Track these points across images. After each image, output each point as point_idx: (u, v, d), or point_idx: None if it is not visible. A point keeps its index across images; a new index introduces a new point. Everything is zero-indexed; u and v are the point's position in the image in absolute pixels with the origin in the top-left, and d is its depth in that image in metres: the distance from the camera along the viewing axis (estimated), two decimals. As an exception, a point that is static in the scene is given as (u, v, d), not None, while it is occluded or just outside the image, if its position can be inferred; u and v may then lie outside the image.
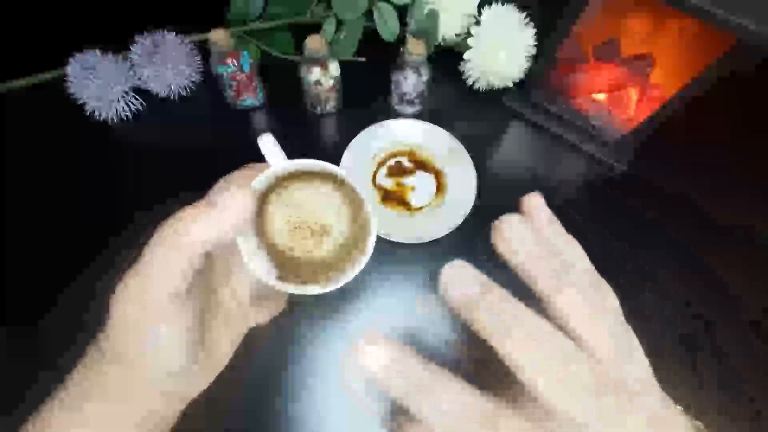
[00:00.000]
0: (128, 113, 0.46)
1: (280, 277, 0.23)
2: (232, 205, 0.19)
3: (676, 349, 0.38)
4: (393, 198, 0.45)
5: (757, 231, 0.46)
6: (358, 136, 0.47)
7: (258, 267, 0.22)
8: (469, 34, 0.48)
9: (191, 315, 0.20)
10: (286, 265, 0.24)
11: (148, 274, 0.18)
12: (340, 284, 0.23)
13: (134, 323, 0.19)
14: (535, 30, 0.47)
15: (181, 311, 0.19)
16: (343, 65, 0.45)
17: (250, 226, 0.22)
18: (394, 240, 0.41)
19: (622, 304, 0.17)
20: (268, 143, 0.23)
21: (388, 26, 0.50)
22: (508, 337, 0.14)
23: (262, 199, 0.23)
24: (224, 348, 0.24)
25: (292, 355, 0.37)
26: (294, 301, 0.38)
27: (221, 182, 0.24)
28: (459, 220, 0.42)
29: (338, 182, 0.24)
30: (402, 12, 0.50)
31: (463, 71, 0.51)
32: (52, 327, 0.36)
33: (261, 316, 0.26)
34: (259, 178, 0.21)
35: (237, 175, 0.24)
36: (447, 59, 0.51)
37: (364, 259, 0.24)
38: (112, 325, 0.19)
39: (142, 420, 0.21)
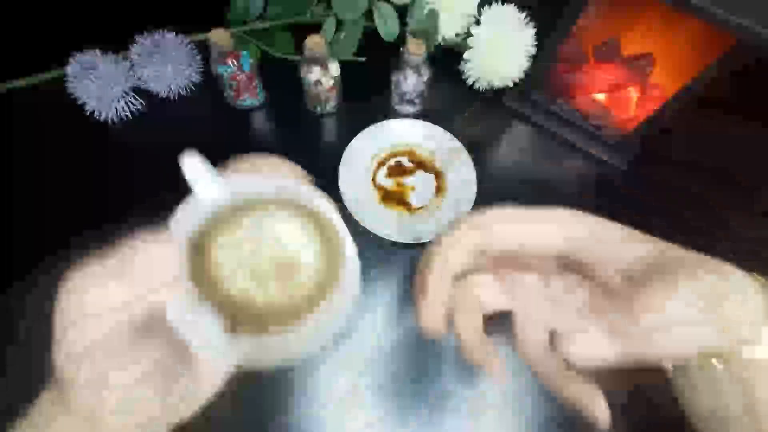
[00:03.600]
0: (128, 113, 0.46)
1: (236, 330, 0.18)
2: (146, 270, 0.16)
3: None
4: (393, 198, 0.45)
5: (757, 231, 0.46)
6: (358, 136, 0.47)
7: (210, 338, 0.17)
8: (469, 34, 0.48)
9: (149, 355, 0.18)
10: (245, 320, 0.18)
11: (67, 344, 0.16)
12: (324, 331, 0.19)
13: (83, 379, 0.17)
14: (535, 30, 0.47)
15: (134, 356, 0.17)
16: (343, 65, 0.45)
17: (184, 283, 0.17)
18: (394, 240, 0.41)
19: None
20: (194, 165, 0.17)
21: (388, 26, 0.50)
22: None
23: (199, 240, 0.18)
24: (209, 377, 0.21)
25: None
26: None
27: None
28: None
29: (298, 206, 0.19)
30: (402, 12, 0.50)
31: (463, 71, 0.51)
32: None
33: None
34: (181, 220, 0.16)
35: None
36: (447, 59, 0.51)
37: (344, 296, 0.19)
38: (60, 379, 0.17)
39: None
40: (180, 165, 0.17)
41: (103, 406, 0.18)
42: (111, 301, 0.16)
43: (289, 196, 0.18)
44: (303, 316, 0.19)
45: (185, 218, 0.17)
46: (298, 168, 0.20)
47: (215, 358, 0.17)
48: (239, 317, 0.18)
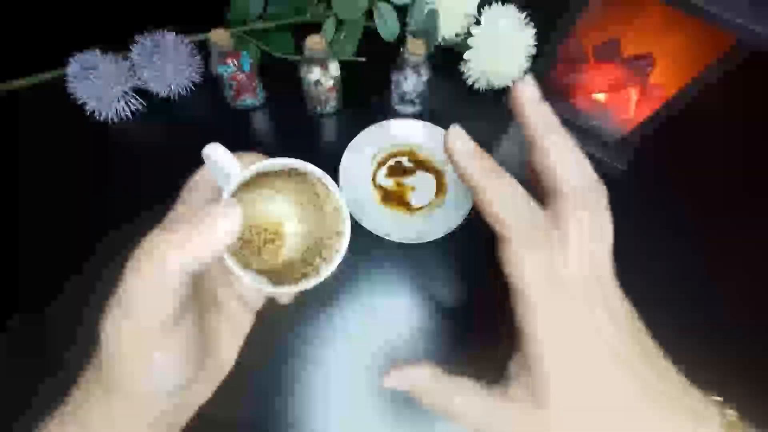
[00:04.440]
0: (128, 113, 0.46)
1: (274, 282, 0.22)
2: (221, 224, 0.17)
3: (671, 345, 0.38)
4: (393, 198, 0.45)
5: (757, 231, 0.46)
6: (358, 136, 0.47)
7: (252, 278, 0.21)
8: (469, 34, 0.48)
9: (187, 333, 0.18)
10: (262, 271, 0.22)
11: (131, 306, 0.17)
12: (327, 273, 0.22)
13: (126, 355, 0.17)
14: (535, 30, 0.47)
15: (176, 332, 0.18)
16: (343, 65, 0.45)
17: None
18: (394, 240, 0.41)
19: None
20: (221, 154, 0.20)
21: (388, 26, 0.50)
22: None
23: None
24: (230, 348, 0.23)
25: (290, 354, 0.37)
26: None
27: (192, 185, 0.23)
28: (459, 220, 0.42)
29: (298, 175, 0.22)
30: (402, 12, 0.50)
31: (463, 71, 0.51)
32: (56, 318, 0.36)
33: (259, 296, 0.25)
34: (228, 188, 0.19)
35: (204, 179, 0.22)
36: (447, 59, 0.51)
37: (344, 245, 0.23)
38: (104, 356, 0.18)
39: (152, 424, 0.20)
40: (205, 154, 0.20)
41: (145, 383, 0.18)
42: (175, 263, 0.16)
43: (290, 167, 0.21)
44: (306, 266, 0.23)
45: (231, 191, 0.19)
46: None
47: (265, 290, 0.21)
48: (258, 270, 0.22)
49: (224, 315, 0.23)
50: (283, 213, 0.24)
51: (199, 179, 0.23)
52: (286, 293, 0.22)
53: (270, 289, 0.21)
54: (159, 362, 0.18)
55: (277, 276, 0.22)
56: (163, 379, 0.19)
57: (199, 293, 0.22)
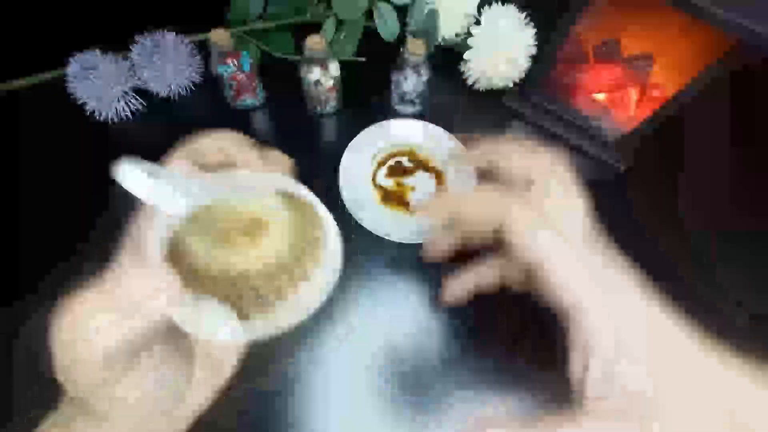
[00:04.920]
0: (128, 113, 0.46)
1: (245, 316, 0.20)
2: (150, 306, 0.16)
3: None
4: (393, 198, 0.45)
5: (758, 231, 0.46)
6: (358, 136, 0.47)
7: (218, 326, 0.18)
8: (469, 34, 0.48)
9: (149, 369, 0.18)
10: (230, 296, 0.20)
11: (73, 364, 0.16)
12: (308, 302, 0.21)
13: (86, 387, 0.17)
14: (535, 30, 0.47)
15: (134, 372, 0.18)
16: (343, 65, 0.45)
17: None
18: (394, 240, 0.41)
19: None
20: (139, 179, 0.16)
21: (388, 26, 0.50)
22: None
23: (177, 238, 0.18)
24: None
25: (290, 354, 0.36)
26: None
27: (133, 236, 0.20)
28: (459, 220, 0.42)
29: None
30: (402, 12, 0.50)
31: (463, 71, 0.51)
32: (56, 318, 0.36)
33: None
34: (154, 239, 0.17)
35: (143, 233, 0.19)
36: (447, 59, 0.51)
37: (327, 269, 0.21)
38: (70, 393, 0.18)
39: None
40: (120, 179, 0.16)
41: (117, 407, 0.18)
42: (107, 325, 0.16)
43: (266, 186, 0.19)
44: (287, 289, 0.21)
45: (157, 230, 0.17)
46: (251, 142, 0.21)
47: (226, 341, 0.19)
48: (234, 301, 0.19)
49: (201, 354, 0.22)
50: (272, 207, 0.22)
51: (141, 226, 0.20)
52: (261, 330, 0.20)
53: (241, 338, 0.19)
54: (119, 397, 0.18)
55: (254, 288, 0.20)
56: (129, 411, 0.18)
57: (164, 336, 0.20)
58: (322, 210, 0.20)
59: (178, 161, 0.21)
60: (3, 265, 0.39)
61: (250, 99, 0.48)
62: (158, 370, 0.19)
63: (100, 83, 0.43)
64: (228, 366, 0.23)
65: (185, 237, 0.19)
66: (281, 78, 0.48)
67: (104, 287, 0.17)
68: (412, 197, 0.45)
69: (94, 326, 0.16)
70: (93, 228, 0.40)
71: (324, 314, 0.38)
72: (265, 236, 0.20)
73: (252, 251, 0.20)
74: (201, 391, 0.22)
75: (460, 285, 0.32)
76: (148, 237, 0.17)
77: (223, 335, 0.19)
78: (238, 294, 0.20)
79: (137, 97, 0.47)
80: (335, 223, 0.21)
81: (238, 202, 0.20)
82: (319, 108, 0.48)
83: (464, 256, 0.32)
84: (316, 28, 0.49)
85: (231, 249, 0.20)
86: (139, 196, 0.17)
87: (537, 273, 0.22)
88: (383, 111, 0.50)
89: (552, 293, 0.22)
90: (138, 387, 0.18)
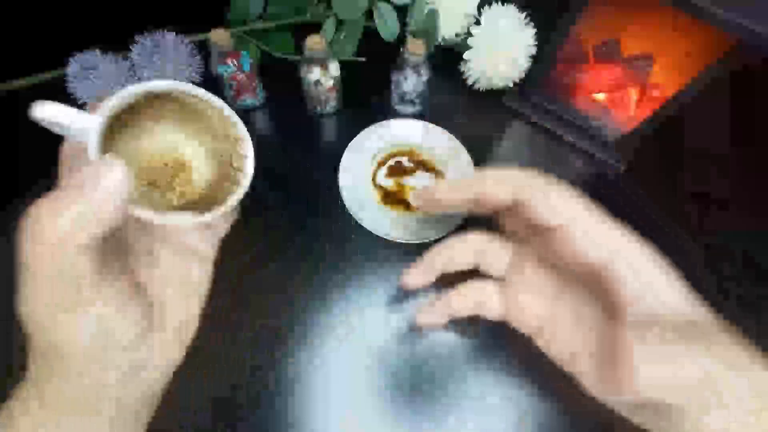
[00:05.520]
0: (128, 113, 0.46)
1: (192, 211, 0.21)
2: (103, 184, 0.16)
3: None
4: (393, 198, 0.45)
5: (758, 231, 0.46)
6: (358, 136, 0.47)
7: (171, 217, 0.19)
8: (469, 34, 0.48)
9: (117, 289, 0.18)
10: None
11: (37, 283, 0.16)
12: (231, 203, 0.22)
13: (57, 325, 0.17)
14: (535, 30, 0.47)
15: (101, 289, 0.17)
16: (343, 65, 0.45)
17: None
18: (394, 240, 0.41)
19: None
20: (57, 111, 0.19)
21: (388, 26, 0.50)
22: None
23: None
24: (184, 305, 0.22)
25: (290, 354, 0.37)
26: (290, 299, 0.38)
27: (63, 158, 0.22)
28: (459, 221, 0.42)
29: (171, 100, 0.21)
30: (402, 12, 0.50)
31: (463, 71, 0.51)
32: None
33: (208, 246, 0.25)
34: (91, 145, 0.18)
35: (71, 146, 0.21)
36: (447, 59, 0.51)
37: (248, 147, 0.23)
38: (35, 341, 0.18)
39: (113, 419, 0.20)
40: (36, 115, 0.18)
41: (89, 346, 0.17)
42: (69, 224, 0.16)
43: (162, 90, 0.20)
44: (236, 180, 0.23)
45: (92, 135, 0.18)
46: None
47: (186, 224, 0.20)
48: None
49: (165, 270, 0.22)
50: (175, 139, 0.23)
51: (67, 148, 0.22)
52: (216, 217, 0.21)
53: (197, 220, 0.20)
54: (92, 319, 0.17)
55: (205, 206, 0.22)
56: (105, 336, 0.18)
57: (125, 252, 0.21)
58: (219, 103, 0.23)
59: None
60: (3, 264, 0.39)
61: (250, 99, 0.48)
62: (125, 297, 0.18)
63: (100, 83, 0.43)
64: (200, 271, 0.24)
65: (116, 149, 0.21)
66: (281, 78, 0.48)
67: (58, 193, 0.16)
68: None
69: (62, 223, 0.16)
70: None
71: (324, 314, 0.38)
72: (192, 169, 0.23)
73: (189, 190, 0.22)
74: (177, 307, 0.22)
75: (435, 313, 0.34)
76: (82, 144, 0.18)
77: (176, 220, 0.20)
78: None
79: (137, 97, 0.47)
80: (233, 111, 0.24)
81: (153, 154, 0.22)
82: (319, 108, 0.48)
83: (446, 279, 0.34)
84: (316, 28, 0.49)
85: (168, 193, 0.22)
86: (59, 123, 0.18)
87: (558, 236, 0.23)
88: (383, 111, 0.50)
89: (577, 255, 0.23)
90: (103, 311, 0.17)
